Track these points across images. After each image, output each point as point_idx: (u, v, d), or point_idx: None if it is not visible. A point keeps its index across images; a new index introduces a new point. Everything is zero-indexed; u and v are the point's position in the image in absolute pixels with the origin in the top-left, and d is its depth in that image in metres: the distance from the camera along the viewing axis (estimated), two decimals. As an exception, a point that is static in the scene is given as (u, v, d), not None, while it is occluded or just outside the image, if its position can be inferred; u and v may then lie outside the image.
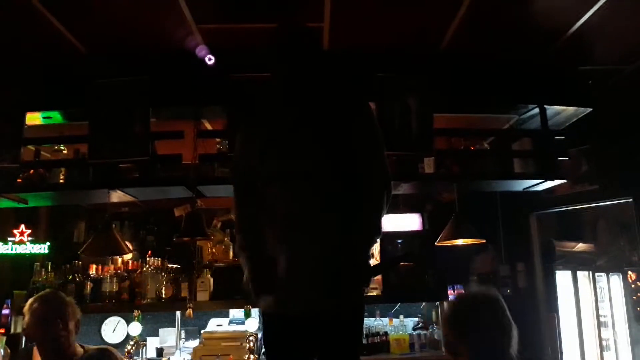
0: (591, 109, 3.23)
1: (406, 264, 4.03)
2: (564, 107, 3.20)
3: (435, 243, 3.27)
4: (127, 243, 3.84)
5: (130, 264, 3.96)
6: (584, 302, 4.36)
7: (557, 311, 4.33)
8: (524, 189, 3.36)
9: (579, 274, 4.40)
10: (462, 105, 3.14)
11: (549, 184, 3.22)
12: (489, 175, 3.16)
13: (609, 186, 3.65)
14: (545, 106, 3.17)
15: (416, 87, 2.95)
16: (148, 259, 3.94)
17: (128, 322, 3.86)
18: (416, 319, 4.25)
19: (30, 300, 2.36)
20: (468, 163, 3.19)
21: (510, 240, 4.24)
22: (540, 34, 2.86)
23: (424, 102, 2.96)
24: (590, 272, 4.44)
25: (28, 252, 3.95)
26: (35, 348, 2.39)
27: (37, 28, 2.61)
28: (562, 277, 4.41)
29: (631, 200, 3.58)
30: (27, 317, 2.32)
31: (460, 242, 3.20)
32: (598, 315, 4.38)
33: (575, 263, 4.50)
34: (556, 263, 4.39)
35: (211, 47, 2.87)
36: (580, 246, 4.61)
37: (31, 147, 3.15)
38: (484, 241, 3.26)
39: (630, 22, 2.78)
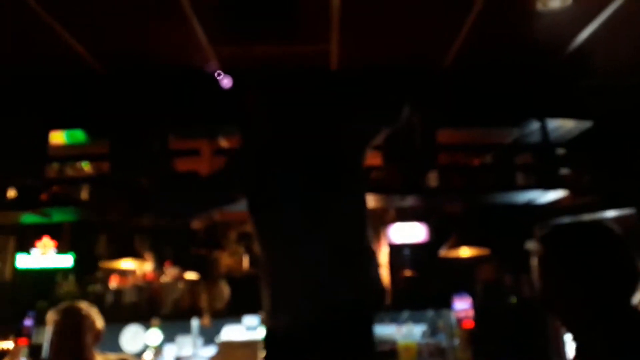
0: (591, 122, 3.22)
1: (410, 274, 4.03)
2: (565, 121, 3.19)
3: (440, 253, 3.26)
4: (146, 254, 3.89)
5: (148, 275, 3.98)
6: None
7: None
8: (527, 201, 3.34)
9: None
10: (465, 120, 3.14)
11: (551, 195, 3.20)
12: (491, 188, 3.15)
13: (611, 197, 3.63)
14: (546, 120, 3.16)
15: (420, 103, 2.96)
16: (166, 269, 3.96)
17: (146, 330, 3.87)
18: (424, 327, 4.21)
19: (51, 313, 2.39)
20: (471, 177, 3.18)
21: (515, 251, 4.19)
22: (541, 50, 2.88)
23: (428, 118, 2.97)
24: None
25: (52, 265, 3.98)
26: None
27: (57, 48, 2.67)
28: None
29: (634, 211, 3.55)
30: (49, 330, 2.34)
31: (464, 252, 3.18)
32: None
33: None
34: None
35: (226, 68, 2.91)
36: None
37: (55, 165, 3.20)
38: (488, 251, 3.24)
39: (627, 40, 2.79)
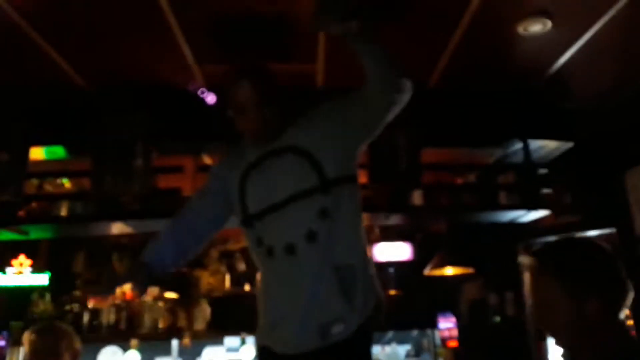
0: (572, 143, 3.30)
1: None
2: (547, 142, 3.27)
3: (424, 272, 3.29)
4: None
5: (127, 294, 3.92)
6: None
7: (545, 339, 4.33)
8: (510, 220, 3.40)
9: None
10: (449, 140, 3.20)
11: (534, 215, 3.26)
12: (474, 207, 3.20)
13: (592, 217, 3.70)
14: (528, 140, 3.23)
15: (404, 123, 3.01)
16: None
17: (125, 352, 3.80)
18: (408, 347, 4.22)
19: (27, 332, 2.34)
20: (455, 196, 3.23)
21: (499, 270, 4.25)
22: (522, 73, 2.97)
23: (412, 137, 3.02)
24: None
25: (27, 283, 3.91)
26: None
27: (40, 64, 2.66)
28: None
29: (614, 230, 3.63)
30: (26, 348, 2.29)
31: (448, 271, 3.22)
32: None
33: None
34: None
35: (211, 86, 2.93)
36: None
37: (34, 181, 3.16)
38: (472, 270, 3.28)
39: (605, 64, 2.89)
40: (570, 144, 3.30)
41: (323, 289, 1.53)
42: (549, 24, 2.49)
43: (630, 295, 1.20)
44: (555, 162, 3.47)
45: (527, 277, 1.20)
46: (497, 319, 4.19)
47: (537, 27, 2.51)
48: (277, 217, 1.60)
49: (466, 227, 3.92)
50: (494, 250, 4.30)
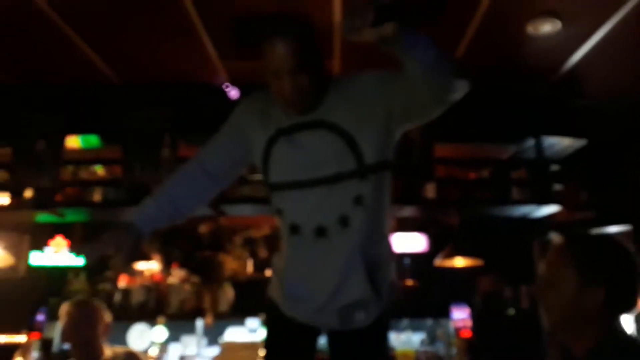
0: (586, 140, 3.37)
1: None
2: (560, 138, 3.35)
3: (435, 263, 3.43)
4: (154, 255, 4.11)
5: (156, 276, 4.18)
6: None
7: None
8: (522, 215, 3.50)
9: None
10: (463, 136, 3.31)
11: (545, 210, 3.35)
12: (487, 201, 3.31)
13: (607, 214, 3.76)
14: (541, 137, 3.32)
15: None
16: (173, 271, 4.16)
17: (152, 329, 4.07)
18: (422, 335, 4.36)
19: (64, 306, 2.59)
20: (468, 190, 3.35)
21: (514, 263, 4.34)
22: (535, 71, 3.06)
23: (426, 132, 3.15)
24: None
25: (64, 263, 4.20)
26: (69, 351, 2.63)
27: (76, 60, 2.92)
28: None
29: (630, 227, 3.68)
30: (62, 321, 2.55)
31: (458, 262, 3.35)
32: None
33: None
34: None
35: (234, 80, 3.13)
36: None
37: (70, 168, 3.43)
38: (482, 262, 3.40)
39: (617, 63, 2.96)
40: (584, 141, 3.37)
41: (351, 274, 1.49)
42: (559, 24, 2.58)
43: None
44: (570, 159, 3.54)
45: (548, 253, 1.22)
46: (512, 311, 4.30)
47: (546, 27, 2.61)
48: (303, 196, 1.50)
49: (481, 220, 4.02)
50: (509, 244, 4.39)
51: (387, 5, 1.25)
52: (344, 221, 1.47)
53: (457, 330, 4.05)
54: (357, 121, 1.47)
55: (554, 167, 3.42)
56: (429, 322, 4.50)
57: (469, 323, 4.04)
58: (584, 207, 3.87)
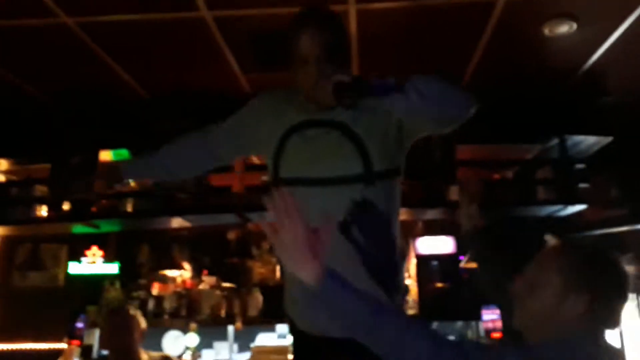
0: (612, 138, 3.36)
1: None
2: (585, 137, 3.35)
3: (460, 265, 3.47)
4: (185, 263, 4.27)
5: (187, 283, 4.34)
6: (628, 322, 4.32)
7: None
8: (548, 215, 3.51)
9: None
10: (486, 137, 3.35)
11: (570, 209, 3.36)
12: (511, 202, 3.34)
13: (638, 211, 3.73)
14: (565, 136, 3.33)
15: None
16: (203, 277, 4.31)
17: (185, 335, 4.23)
18: (452, 338, 4.39)
19: (103, 314, 2.76)
20: (492, 191, 3.38)
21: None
22: (555, 71, 3.09)
23: (447, 135, 3.20)
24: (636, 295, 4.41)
25: (100, 272, 4.40)
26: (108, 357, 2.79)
27: (107, 77, 3.10)
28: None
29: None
30: (101, 329, 2.71)
31: (484, 264, 3.38)
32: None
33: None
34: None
35: (256, 92, 3.25)
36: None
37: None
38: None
39: (638, 60, 2.96)
40: (609, 139, 3.36)
41: (350, 278, 1.46)
42: (575, 25, 2.61)
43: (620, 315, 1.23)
44: (596, 157, 3.54)
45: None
46: (543, 312, 4.29)
47: (563, 28, 2.64)
48: (310, 194, 1.49)
49: (510, 221, 4.04)
50: (539, 244, 4.38)
51: (346, 82, 1.37)
52: (345, 225, 1.47)
53: (488, 331, 4.07)
54: (369, 127, 1.51)
55: (580, 166, 3.42)
56: (459, 324, 4.53)
57: (499, 324, 4.05)
58: (615, 205, 3.86)
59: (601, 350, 1.19)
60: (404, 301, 1.68)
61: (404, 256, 1.70)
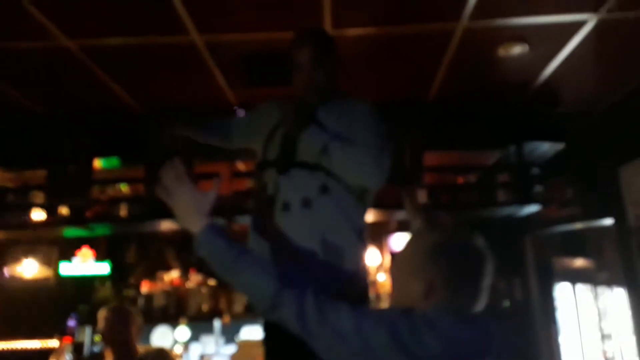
0: (564, 144, 3.76)
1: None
2: (540, 143, 3.75)
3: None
4: (173, 262, 4.56)
5: (175, 281, 4.63)
6: (585, 315, 4.71)
7: (555, 322, 4.78)
8: (506, 215, 3.90)
9: (580, 287, 4.77)
10: (451, 144, 3.73)
11: (526, 209, 3.75)
12: (473, 204, 3.72)
13: (591, 209, 4.13)
14: (523, 143, 3.72)
15: (408, 131, 3.57)
16: (191, 276, 4.61)
17: (174, 330, 4.51)
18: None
19: (103, 312, 3.02)
20: (456, 194, 3.76)
21: (507, 258, 4.73)
22: (511, 85, 3.47)
23: (415, 142, 3.56)
24: (592, 286, 4.79)
25: (91, 272, 4.64)
26: (105, 352, 3.06)
27: (101, 91, 3.37)
28: (562, 291, 4.85)
29: (612, 221, 4.05)
30: (101, 324, 2.98)
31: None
32: (601, 328, 4.71)
33: (576, 277, 4.89)
34: (556, 277, 4.84)
35: (243, 104, 3.56)
36: (581, 262, 4.99)
37: (97, 187, 3.89)
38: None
39: (587, 74, 3.36)
40: (561, 145, 3.76)
41: (307, 251, 1.68)
42: (527, 46, 2.98)
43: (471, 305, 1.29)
44: (551, 161, 3.94)
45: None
46: (507, 303, 4.69)
47: (516, 50, 3.01)
48: (284, 175, 1.79)
49: (477, 219, 4.42)
50: (504, 241, 4.78)
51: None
52: (306, 202, 1.72)
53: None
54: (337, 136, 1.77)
55: (535, 170, 3.81)
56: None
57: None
58: (570, 204, 4.26)
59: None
60: (364, 294, 1.81)
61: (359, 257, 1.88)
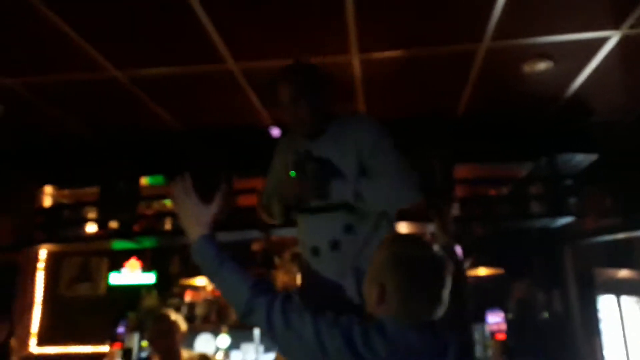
0: (597, 155, 3.82)
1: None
2: (573, 154, 3.81)
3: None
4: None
5: (217, 291, 4.90)
6: (631, 328, 4.68)
7: (599, 335, 4.76)
8: (540, 227, 3.98)
9: (626, 299, 4.75)
10: (482, 157, 3.85)
11: (560, 221, 3.82)
12: (507, 216, 3.82)
13: (632, 219, 4.15)
14: (555, 154, 3.80)
15: (438, 145, 3.72)
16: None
17: (216, 338, 4.77)
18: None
19: (150, 319, 3.31)
20: (489, 206, 3.87)
21: (546, 269, 4.77)
22: (540, 98, 3.57)
23: (445, 156, 3.70)
24: (638, 297, 4.76)
25: (138, 281, 4.96)
26: (152, 357, 3.35)
27: (146, 114, 3.70)
28: (606, 303, 4.83)
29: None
30: (149, 332, 3.27)
31: (481, 271, 3.87)
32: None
33: (621, 289, 4.88)
34: (599, 289, 4.83)
35: (276, 122, 3.81)
36: (626, 272, 4.97)
37: (144, 203, 4.23)
38: (503, 271, 3.90)
39: (616, 85, 3.43)
40: (595, 156, 3.82)
41: (342, 287, 1.82)
42: (551, 63, 3.09)
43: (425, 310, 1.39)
44: (585, 173, 3.99)
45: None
46: (546, 314, 4.72)
47: (541, 66, 3.12)
48: (310, 219, 1.91)
49: (515, 231, 4.50)
50: (542, 251, 4.82)
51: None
52: (334, 245, 1.84)
53: (492, 333, 4.51)
54: (344, 164, 1.87)
55: (568, 181, 3.88)
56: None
57: (504, 327, 4.48)
58: (609, 215, 4.29)
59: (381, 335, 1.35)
60: None
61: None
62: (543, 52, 3.02)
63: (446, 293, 1.40)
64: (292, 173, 1.85)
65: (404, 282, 1.38)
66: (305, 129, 1.93)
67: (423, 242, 1.47)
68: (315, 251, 1.88)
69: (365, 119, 2.00)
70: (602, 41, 2.92)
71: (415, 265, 1.40)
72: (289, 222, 2.10)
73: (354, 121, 1.97)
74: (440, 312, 1.40)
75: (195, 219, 1.58)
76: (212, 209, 1.60)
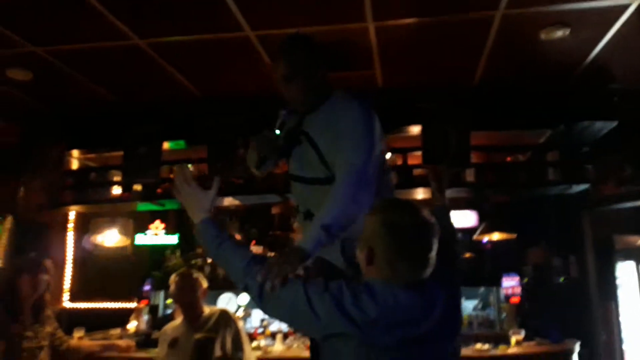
0: (616, 122, 3.86)
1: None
2: (591, 122, 3.87)
3: (473, 237, 4.10)
4: (236, 234, 5.07)
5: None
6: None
7: (615, 300, 4.88)
8: (555, 194, 4.07)
9: None
10: (499, 124, 3.93)
11: (576, 188, 3.91)
12: (523, 183, 3.92)
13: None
14: (572, 122, 3.86)
15: (453, 113, 3.82)
16: (252, 247, 5.09)
17: (237, 297, 5.05)
18: (475, 302, 5.04)
19: (173, 276, 3.54)
20: (504, 173, 3.97)
21: (563, 235, 4.88)
22: (557, 66, 3.60)
23: (461, 123, 3.80)
24: None
25: (162, 242, 5.24)
26: (176, 312, 3.60)
27: (168, 82, 3.86)
28: (624, 269, 4.92)
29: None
30: (172, 287, 3.51)
31: (495, 236, 4.01)
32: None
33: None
34: (618, 256, 4.92)
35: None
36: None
37: (166, 167, 4.44)
38: (515, 236, 4.02)
39: (638, 51, 3.43)
40: (614, 123, 3.86)
41: (330, 252, 1.93)
42: (568, 30, 3.13)
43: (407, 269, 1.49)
44: (604, 140, 4.04)
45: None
46: (562, 279, 4.85)
47: (558, 34, 3.16)
48: (301, 187, 2.07)
49: (531, 198, 4.59)
50: (560, 218, 4.92)
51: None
52: (307, 214, 2.05)
53: (507, 297, 4.67)
54: (328, 142, 1.93)
55: (586, 149, 3.94)
56: (481, 289, 5.16)
57: (518, 290, 4.64)
58: (629, 182, 4.35)
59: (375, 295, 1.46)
60: None
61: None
62: (560, 20, 3.05)
63: (433, 255, 1.50)
64: (277, 132, 2.06)
65: (392, 246, 1.48)
66: (298, 106, 2.06)
67: (412, 208, 1.54)
68: (309, 215, 2.05)
69: (351, 107, 1.96)
70: (622, 9, 2.94)
71: (402, 231, 1.48)
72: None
73: (342, 106, 1.97)
74: (427, 272, 1.51)
75: (197, 204, 1.73)
76: (211, 195, 1.75)
